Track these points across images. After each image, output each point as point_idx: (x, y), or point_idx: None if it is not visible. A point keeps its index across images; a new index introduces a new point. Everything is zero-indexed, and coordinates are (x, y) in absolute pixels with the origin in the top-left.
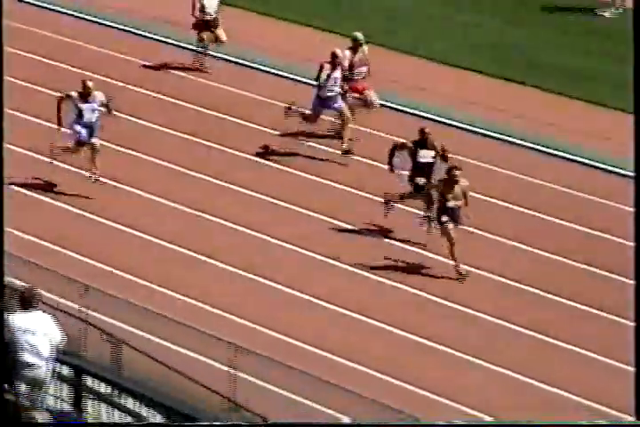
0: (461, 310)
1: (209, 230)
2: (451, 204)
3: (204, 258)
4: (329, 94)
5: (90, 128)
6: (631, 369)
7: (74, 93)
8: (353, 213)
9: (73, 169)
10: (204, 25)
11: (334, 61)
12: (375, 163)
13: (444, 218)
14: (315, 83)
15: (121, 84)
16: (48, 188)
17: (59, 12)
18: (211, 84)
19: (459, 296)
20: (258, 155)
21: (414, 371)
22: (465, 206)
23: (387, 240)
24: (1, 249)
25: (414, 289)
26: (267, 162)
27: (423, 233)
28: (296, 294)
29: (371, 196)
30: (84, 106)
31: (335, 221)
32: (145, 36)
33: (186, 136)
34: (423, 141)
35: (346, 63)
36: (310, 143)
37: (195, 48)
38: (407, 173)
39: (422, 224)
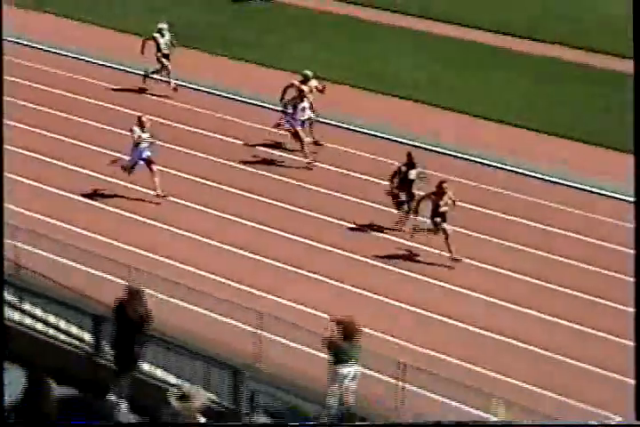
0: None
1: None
2: (442, 209)
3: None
4: (302, 118)
5: (145, 153)
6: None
7: (135, 128)
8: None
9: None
10: (163, 57)
11: (302, 94)
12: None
13: (437, 219)
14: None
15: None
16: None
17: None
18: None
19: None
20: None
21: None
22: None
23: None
24: (1, 244)
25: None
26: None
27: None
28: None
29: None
30: (142, 136)
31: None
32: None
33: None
34: (411, 164)
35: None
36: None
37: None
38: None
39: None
